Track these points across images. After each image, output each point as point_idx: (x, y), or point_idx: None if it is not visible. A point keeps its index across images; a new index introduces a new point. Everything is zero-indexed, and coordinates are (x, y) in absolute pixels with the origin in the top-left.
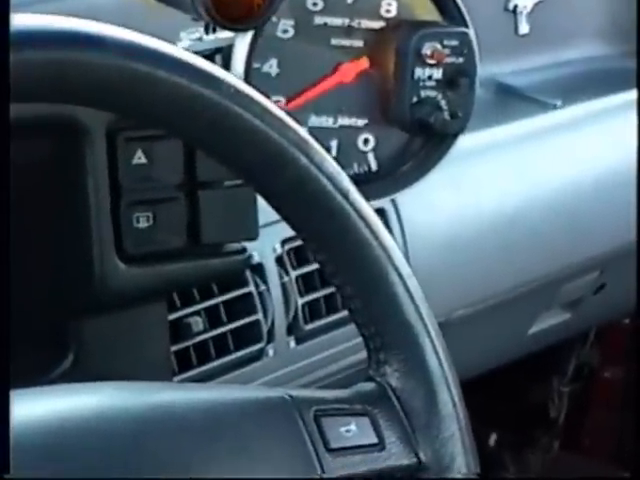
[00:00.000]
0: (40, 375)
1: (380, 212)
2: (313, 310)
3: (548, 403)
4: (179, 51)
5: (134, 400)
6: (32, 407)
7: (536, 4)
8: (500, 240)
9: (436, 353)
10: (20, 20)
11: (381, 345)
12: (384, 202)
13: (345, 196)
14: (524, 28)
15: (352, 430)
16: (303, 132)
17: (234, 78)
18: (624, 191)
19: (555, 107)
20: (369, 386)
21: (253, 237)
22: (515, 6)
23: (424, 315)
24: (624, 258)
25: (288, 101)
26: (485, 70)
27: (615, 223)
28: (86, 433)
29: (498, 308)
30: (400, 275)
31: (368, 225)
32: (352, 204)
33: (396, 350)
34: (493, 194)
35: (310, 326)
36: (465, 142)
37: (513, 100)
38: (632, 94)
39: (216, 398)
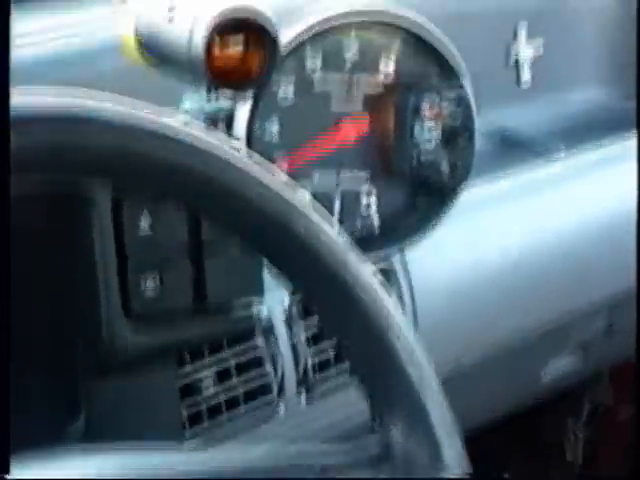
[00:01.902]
0: (54, 435)
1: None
2: (322, 365)
3: (564, 444)
4: (175, 123)
5: (149, 464)
6: (41, 474)
7: (537, 54)
8: (506, 287)
9: (438, 407)
10: (17, 97)
11: (384, 401)
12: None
13: (344, 259)
14: (526, 79)
15: None
16: (301, 199)
17: (231, 150)
18: (628, 235)
19: (559, 156)
20: (373, 440)
21: (259, 295)
22: (516, 60)
23: (425, 371)
24: (631, 300)
25: (291, 160)
26: (488, 121)
27: (620, 266)
28: None
29: (508, 354)
30: (400, 333)
31: (367, 286)
32: (350, 267)
33: (398, 406)
34: (498, 242)
35: (320, 381)
36: (469, 193)
37: (516, 150)
38: (633, 140)
39: (220, 463)
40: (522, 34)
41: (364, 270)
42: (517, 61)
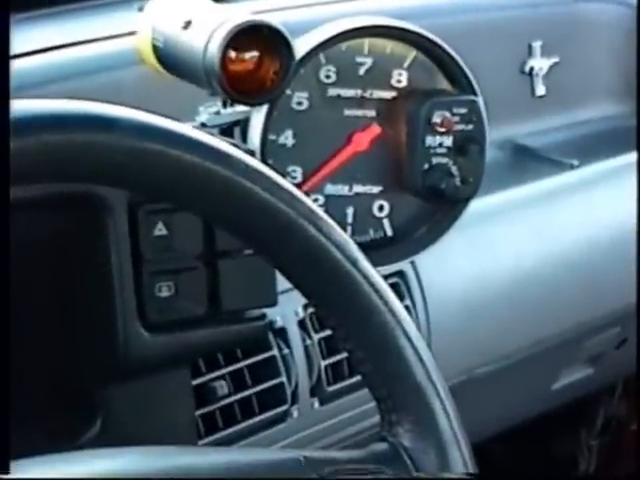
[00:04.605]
0: (70, 440)
1: (400, 274)
2: (336, 372)
3: (577, 457)
4: (189, 130)
5: (155, 464)
6: (57, 473)
7: (551, 66)
8: (519, 297)
9: (446, 413)
10: (33, 104)
11: (393, 406)
12: (403, 264)
13: (354, 263)
14: (540, 90)
15: None
16: (311, 203)
17: (243, 154)
18: None
19: (572, 167)
20: (382, 446)
21: (272, 304)
22: (531, 68)
23: (433, 376)
24: None
25: (306, 179)
26: (502, 132)
27: (634, 278)
28: None
29: (520, 365)
30: (409, 338)
31: (377, 291)
32: (360, 271)
33: (407, 411)
34: (510, 253)
35: (333, 387)
36: (482, 203)
37: (530, 161)
38: None
39: (234, 461)
40: (537, 48)
41: (374, 273)
42: (532, 70)
